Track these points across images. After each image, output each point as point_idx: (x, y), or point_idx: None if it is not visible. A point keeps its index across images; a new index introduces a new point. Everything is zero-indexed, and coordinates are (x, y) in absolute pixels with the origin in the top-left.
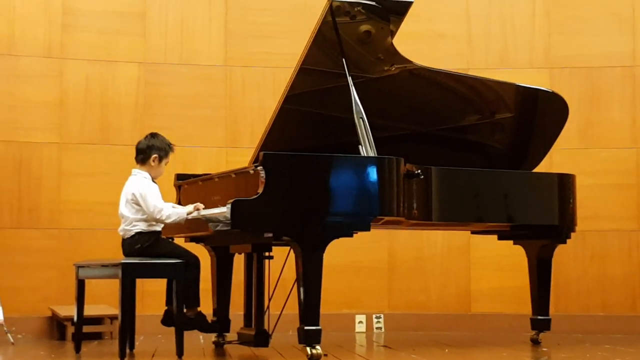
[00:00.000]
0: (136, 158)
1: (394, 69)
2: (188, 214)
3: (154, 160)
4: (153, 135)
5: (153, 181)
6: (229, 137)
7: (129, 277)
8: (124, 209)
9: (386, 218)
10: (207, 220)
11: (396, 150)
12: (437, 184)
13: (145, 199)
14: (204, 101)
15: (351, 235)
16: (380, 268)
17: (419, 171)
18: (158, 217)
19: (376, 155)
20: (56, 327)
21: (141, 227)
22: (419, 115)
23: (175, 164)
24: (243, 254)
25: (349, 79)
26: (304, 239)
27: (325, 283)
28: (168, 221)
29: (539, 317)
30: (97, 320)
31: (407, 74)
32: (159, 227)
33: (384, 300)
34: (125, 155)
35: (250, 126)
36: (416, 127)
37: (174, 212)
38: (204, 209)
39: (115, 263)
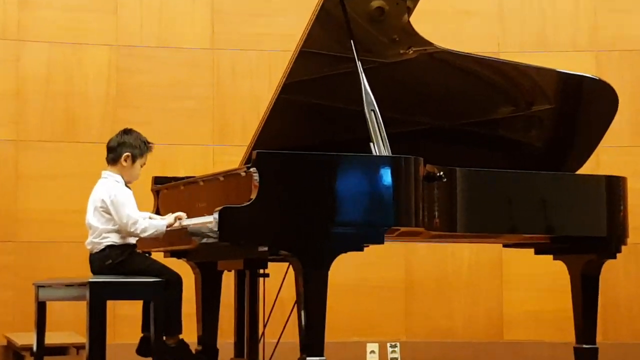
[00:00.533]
0: (107, 158)
1: (411, 52)
2: (168, 227)
3: (125, 160)
4: (126, 131)
5: (126, 185)
6: (217, 133)
7: (98, 298)
8: (92, 218)
9: (403, 229)
10: (191, 231)
11: (414, 149)
12: (463, 188)
13: (117, 207)
14: (187, 91)
15: (361, 249)
16: (395, 288)
17: (442, 173)
18: (132, 230)
19: (390, 154)
20: (12, 357)
21: (112, 239)
22: (441, 107)
23: (152, 166)
24: (233, 271)
25: (358, 64)
26: (306, 253)
27: (331, 305)
28: (143, 235)
29: (584, 346)
30: (61, 349)
31: (426, 58)
32: (133, 240)
33: (400, 325)
34: (95, 155)
35: (242, 120)
36: (438, 121)
37: (151, 224)
38: (186, 218)
39: (82, 282)
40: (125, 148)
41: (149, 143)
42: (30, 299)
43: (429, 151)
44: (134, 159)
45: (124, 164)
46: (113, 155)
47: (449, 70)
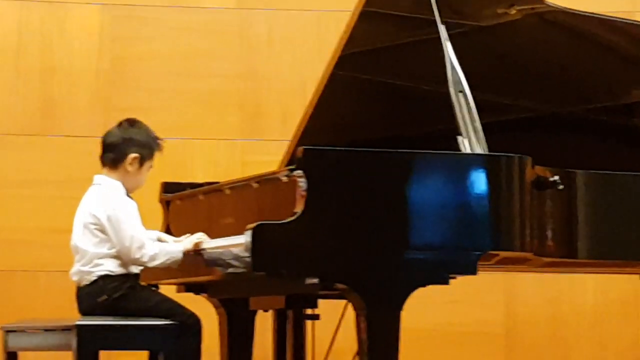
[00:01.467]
0: (103, 158)
1: (514, 12)
2: (186, 253)
3: (131, 163)
4: (131, 122)
5: (128, 196)
6: (247, 123)
7: (88, 347)
8: (80, 239)
9: (503, 254)
10: (212, 258)
11: (518, 144)
12: (587, 198)
13: (116, 225)
14: (207, 67)
15: (447, 282)
16: (492, 333)
17: (557, 178)
18: (136, 256)
19: (487, 151)
20: None
21: (108, 267)
22: (554, 87)
23: (161, 168)
24: (271, 312)
25: (442, 28)
26: (371, 287)
27: (403, 357)
28: (152, 264)
29: None
30: None
31: (535, 20)
32: (136, 269)
33: None
34: (81, 153)
35: (281, 106)
36: (549, 106)
37: (163, 250)
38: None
39: (67, 326)
40: (131, 146)
41: (159, 140)
42: None
43: (539, 148)
44: (142, 161)
45: (129, 168)
46: (114, 155)
47: (566, 37)
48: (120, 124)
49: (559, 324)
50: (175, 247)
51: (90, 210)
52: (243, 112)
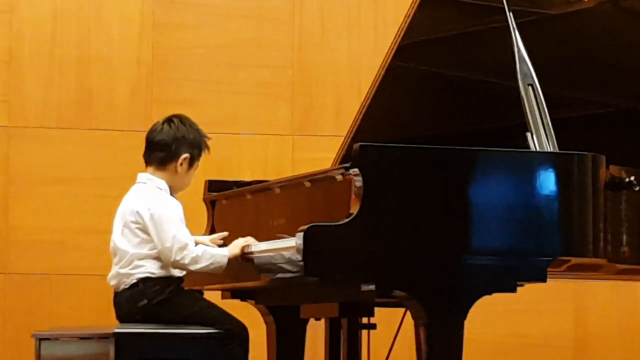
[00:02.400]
0: (149, 156)
1: None
2: (232, 257)
3: (182, 164)
4: (182, 119)
5: (172, 195)
6: (298, 117)
7: (127, 357)
8: (120, 239)
9: (575, 260)
10: (261, 262)
11: (592, 143)
12: None
13: (159, 225)
14: (255, 57)
15: (514, 290)
16: (562, 347)
17: (633, 178)
18: (177, 258)
19: (557, 149)
20: None
21: (149, 269)
22: (631, 80)
23: (205, 165)
24: (323, 320)
25: (510, 16)
26: (432, 295)
27: None
28: (194, 268)
29: None
30: None
31: (610, 7)
32: (179, 272)
33: None
34: (121, 148)
35: (335, 99)
36: (627, 101)
37: (207, 253)
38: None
39: (104, 333)
40: (183, 147)
41: (206, 137)
42: (27, 355)
43: (613, 146)
44: (191, 161)
45: (179, 168)
46: (164, 154)
47: None
48: (170, 121)
49: (634, 336)
50: (221, 251)
51: (133, 208)
52: (294, 106)
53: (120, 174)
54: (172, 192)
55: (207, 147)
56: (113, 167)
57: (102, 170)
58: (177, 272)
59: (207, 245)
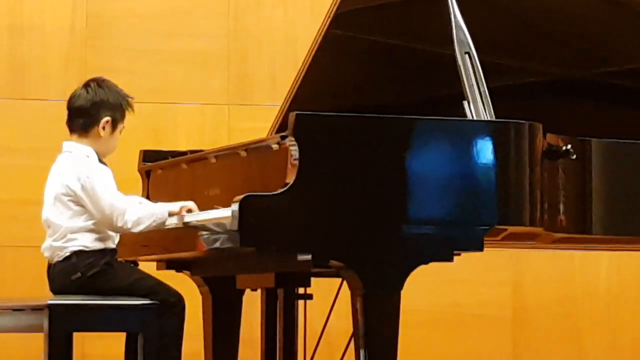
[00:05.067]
0: (71, 124)
1: None
2: (171, 215)
3: (104, 128)
4: (99, 82)
5: (101, 162)
6: (234, 86)
7: (61, 329)
8: (52, 212)
9: (511, 229)
10: (197, 231)
11: (527, 111)
12: (602, 169)
13: (94, 195)
14: (191, 25)
15: (451, 259)
16: (499, 317)
17: (570, 147)
18: (120, 225)
19: (494, 117)
20: None
21: (82, 242)
22: (568, 49)
23: (141, 134)
24: (259, 291)
25: None
26: (369, 265)
27: (402, 341)
28: (137, 229)
29: None
30: None
31: None
32: (113, 244)
33: None
34: (54, 119)
35: (271, 68)
36: (563, 69)
37: (147, 212)
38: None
39: (37, 305)
40: (103, 110)
41: (128, 98)
42: None
43: (550, 115)
44: (114, 124)
45: (102, 133)
46: (84, 119)
47: None
48: (87, 85)
49: (570, 305)
50: (160, 207)
51: (61, 180)
52: (230, 75)
53: (54, 144)
54: (100, 157)
55: (131, 106)
56: (47, 137)
57: (35, 140)
58: (111, 244)
59: (144, 202)
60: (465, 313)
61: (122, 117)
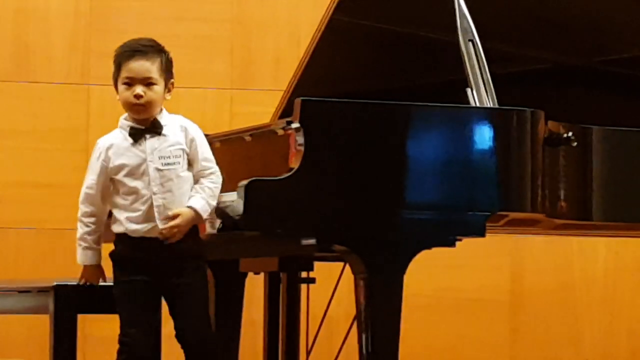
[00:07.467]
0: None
1: None
2: None
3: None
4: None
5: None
6: (237, 72)
7: (66, 310)
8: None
9: (513, 215)
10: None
11: (531, 98)
12: (603, 156)
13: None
14: (195, 11)
15: (453, 244)
16: (497, 302)
17: (571, 134)
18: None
19: (496, 104)
20: None
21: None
22: (571, 37)
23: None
24: (263, 275)
25: None
26: (372, 249)
27: (404, 325)
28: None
29: None
30: None
31: None
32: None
33: (503, 354)
34: (58, 101)
35: (275, 53)
36: (566, 57)
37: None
38: None
39: (43, 287)
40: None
41: (122, 49)
42: None
43: (552, 102)
44: (115, 82)
45: (118, 96)
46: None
47: None
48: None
49: (568, 290)
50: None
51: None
52: (233, 60)
53: (58, 127)
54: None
55: (126, 57)
56: (50, 120)
57: (39, 123)
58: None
59: None
60: (463, 297)
61: (118, 70)
